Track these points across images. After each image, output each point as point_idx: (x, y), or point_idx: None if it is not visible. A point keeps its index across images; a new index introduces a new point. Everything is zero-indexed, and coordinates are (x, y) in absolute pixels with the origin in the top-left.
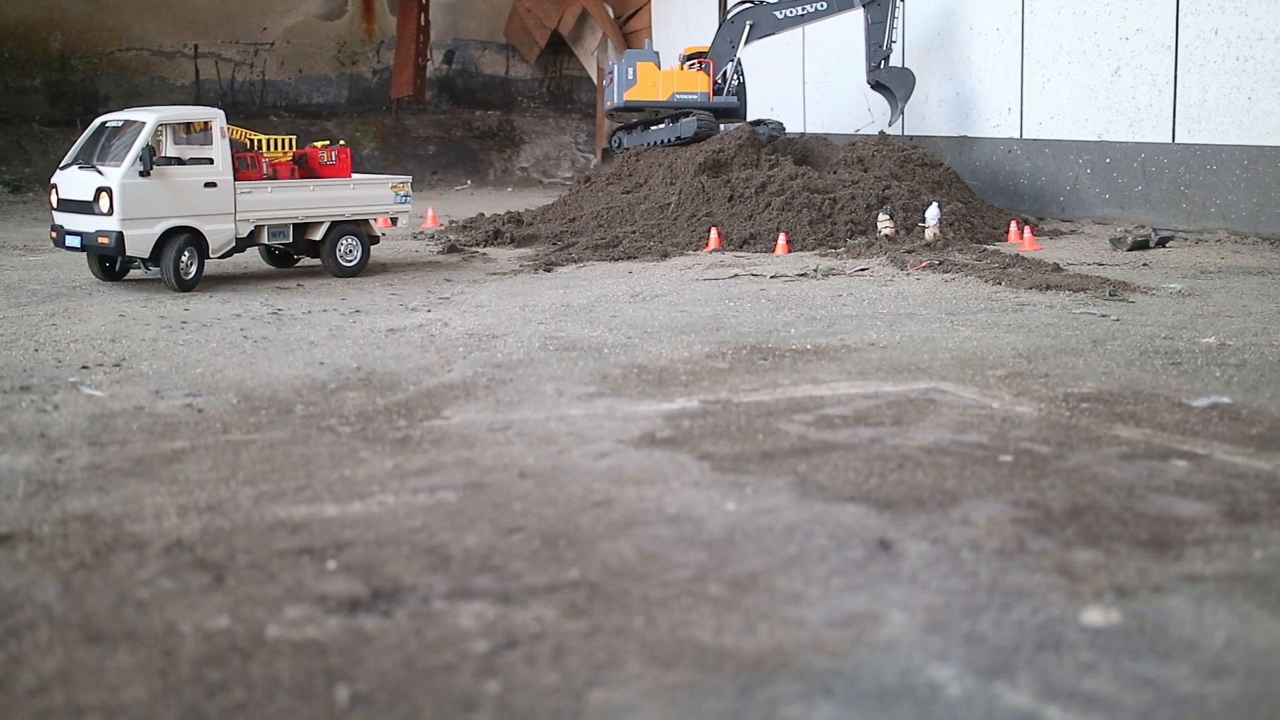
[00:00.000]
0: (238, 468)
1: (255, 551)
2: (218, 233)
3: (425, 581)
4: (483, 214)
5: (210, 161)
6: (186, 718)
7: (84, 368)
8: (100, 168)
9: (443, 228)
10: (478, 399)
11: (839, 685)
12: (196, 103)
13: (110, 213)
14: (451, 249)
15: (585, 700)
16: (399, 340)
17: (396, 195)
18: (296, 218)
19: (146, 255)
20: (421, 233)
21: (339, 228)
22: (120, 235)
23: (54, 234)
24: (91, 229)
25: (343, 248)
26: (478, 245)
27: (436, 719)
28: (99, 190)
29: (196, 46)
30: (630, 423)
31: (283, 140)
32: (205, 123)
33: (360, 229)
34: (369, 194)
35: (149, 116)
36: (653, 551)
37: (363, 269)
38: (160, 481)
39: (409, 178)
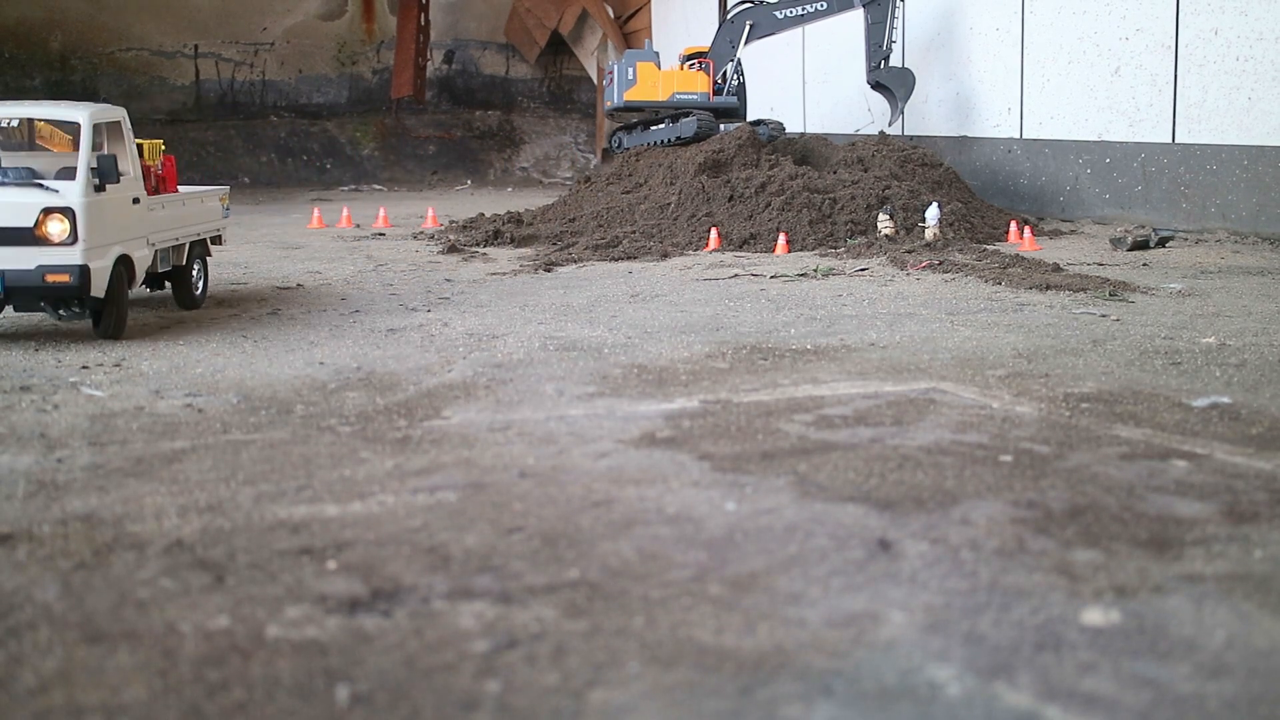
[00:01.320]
0: (238, 468)
1: (255, 551)
2: (141, 260)
3: (425, 581)
4: (483, 214)
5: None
6: (186, 718)
7: (84, 368)
8: (42, 182)
9: (443, 228)
10: (478, 399)
11: (839, 685)
12: (197, 104)
13: (72, 241)
14: (451, 249)
15: (585, 700)
16: (399, 340)
17: (223, 209)
18: (179, 239)
19: (103, 294)
20: (421, 233)
21: (195, 250)
22: (85, 271)
23: None
24: (30, 264)
25: (194, 273)
26: (478, 245)
27: (436, 719)
28: (46, 212)
29: (196, 46)
30: (630, 423)
31: (152, 146)
32: (115, 123)
33: (204, 250)
34: (212, 208)
35: (79, 115)
36: (653, 551)
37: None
38: (160, 481)
39: (227, 188)
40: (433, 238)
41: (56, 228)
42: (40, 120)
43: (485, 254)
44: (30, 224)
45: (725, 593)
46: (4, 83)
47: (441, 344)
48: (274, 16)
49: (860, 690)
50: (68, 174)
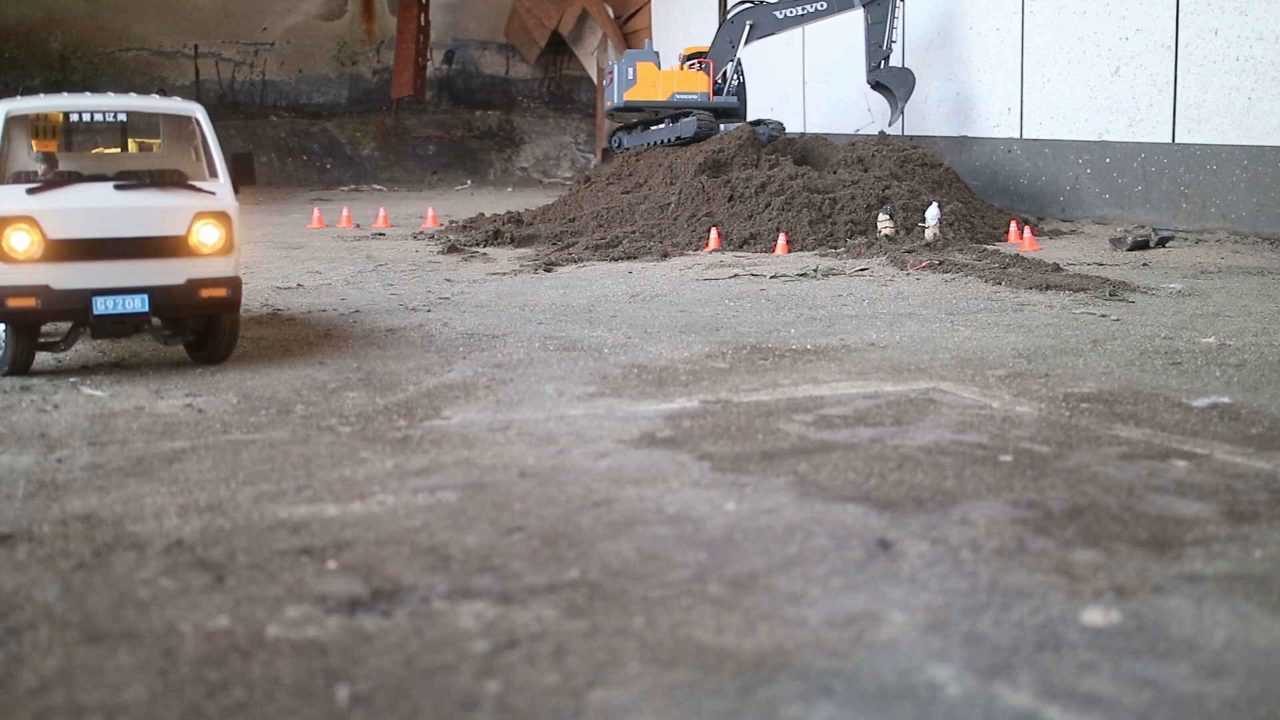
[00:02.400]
0: (238, 468)
1: (255, 551)
2: None
3: (425, 581)
4: (483, 214)
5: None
6: (186, 717)
7: (84, 367)
8: (195, 183)
9: (443, 228)
10: (478, 399)
11: (839, 685)
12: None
13: (226, 250)
14: (451, 249)
15: (585, 700)
16: (399, 340)
17: None
18: None
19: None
20: (421, 233)
21: None
22: (239, 284)
23: (35, 300)
24: (179, 278)
25: None
26: (478, 245)
27: (436, 719)
28: (201, 217)
29: (197, 46)
30: (630, 423)
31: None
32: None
33: None
34: None
35: (192, 108)
36: (653, 551)
37: None
38: (160, 481)
39: None
40: (433, 238)
41: (212, 235)
42: (150, 113)
43: (485, 254)
44: (183, 231)
45: (725, 593)
46: (4, 83)
47: (441, 344)
48: (274, 16)
49: (860, 690)
50: (129, 178)
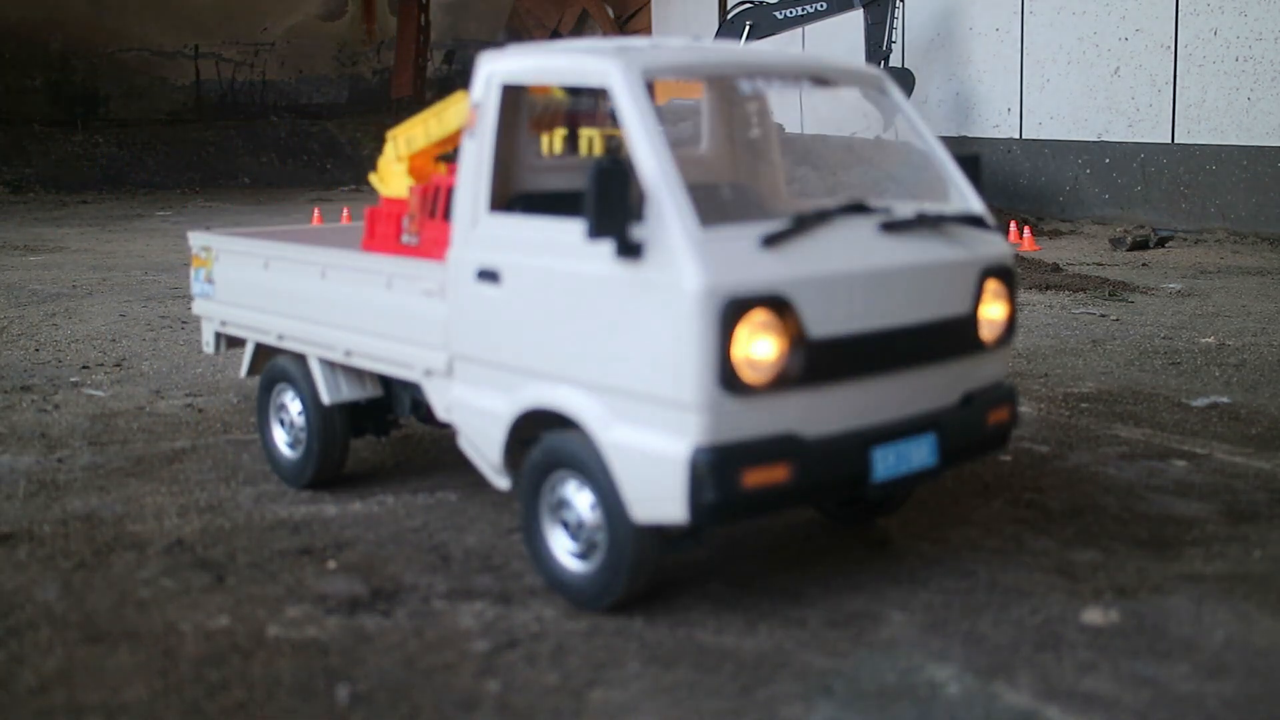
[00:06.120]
0: (238, 468)
1: (255, 551)
2: None
3: (425, 581)
4: None
5: None
6: (187, 717)
7: (84, 368)
8: (978, 213)
9: None
10: None
11: (839, 685)
12: (198, 105)
13: (1009, 335)
14: None
15: (585, 700)
16: None
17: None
18: None
19: None
20: None
21: None
22: (1016, 399)
23: (787, 468)
24: (953, 396)
25: None
26: None
27: (436, 718)
28: (989, 279)
29: (197, 47)
30: None
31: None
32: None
33: None
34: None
35: (879, 76)
36: None
37: None
38: (160, 481)
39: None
40: None
41: (999, 311)
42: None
43: None
44: (968, 308)
45: (725, 592)
46: (4, 83)
47: None
48: (274, 17)
49: (860, 690)
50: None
